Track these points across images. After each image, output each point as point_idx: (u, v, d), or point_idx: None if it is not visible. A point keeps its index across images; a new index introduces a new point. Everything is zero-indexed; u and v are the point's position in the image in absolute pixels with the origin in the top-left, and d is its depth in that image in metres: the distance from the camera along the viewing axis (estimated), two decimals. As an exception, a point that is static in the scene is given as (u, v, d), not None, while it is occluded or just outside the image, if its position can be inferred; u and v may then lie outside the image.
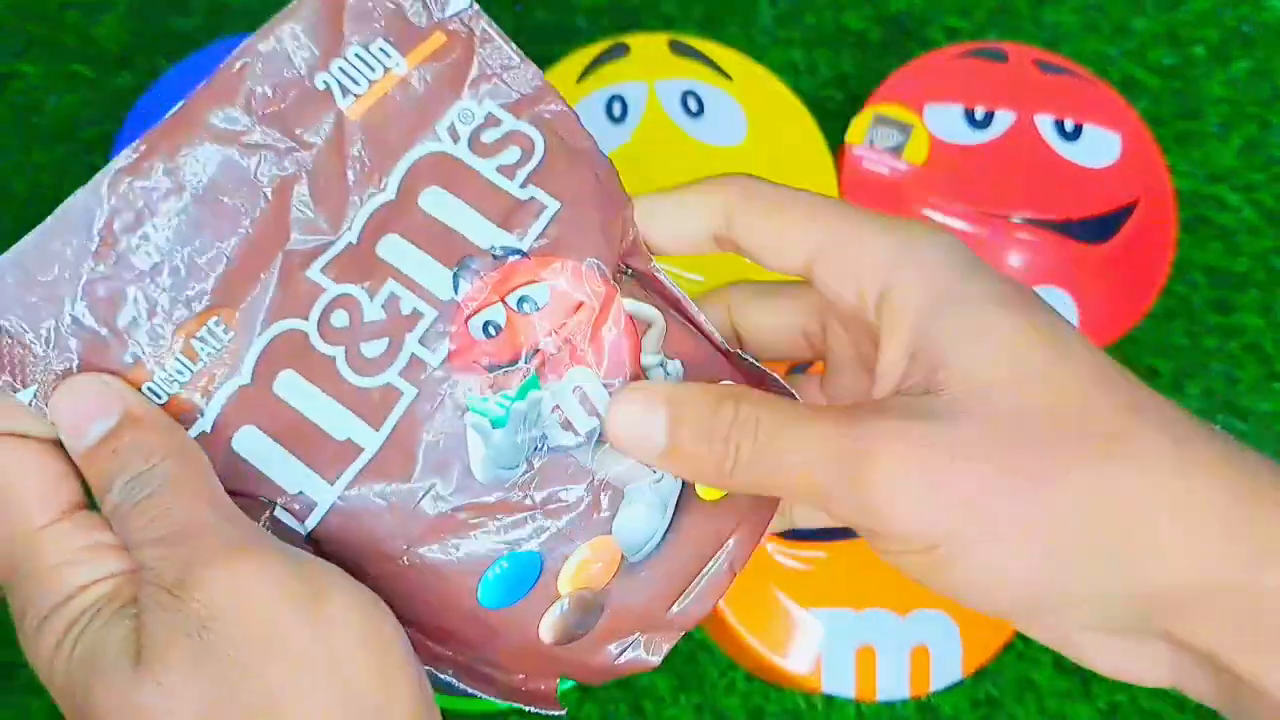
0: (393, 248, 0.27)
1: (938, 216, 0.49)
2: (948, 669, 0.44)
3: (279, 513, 0.26)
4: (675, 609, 0.28)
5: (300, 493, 0.26)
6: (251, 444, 0.26)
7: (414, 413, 0.26)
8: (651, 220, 0.28)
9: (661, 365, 0.28)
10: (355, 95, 0.27)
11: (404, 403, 0.26)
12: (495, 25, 0.28)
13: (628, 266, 0.29)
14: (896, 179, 0.49)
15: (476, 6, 0.28)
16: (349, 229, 0.27)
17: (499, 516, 0.27)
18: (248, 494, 0.26)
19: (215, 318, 0.26)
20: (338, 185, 0.27)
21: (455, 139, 0.28)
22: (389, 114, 0.27)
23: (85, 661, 0.23)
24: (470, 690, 0.27)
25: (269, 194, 0.26)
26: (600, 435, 0.27)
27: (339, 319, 0.27)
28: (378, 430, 0.26)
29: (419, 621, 0.27)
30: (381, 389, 0.26)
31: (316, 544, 0.26)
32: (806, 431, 0.24)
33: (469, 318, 0.27)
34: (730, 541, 0.28)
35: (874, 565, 0.44)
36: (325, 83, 0.27)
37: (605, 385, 0.27)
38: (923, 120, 0.50)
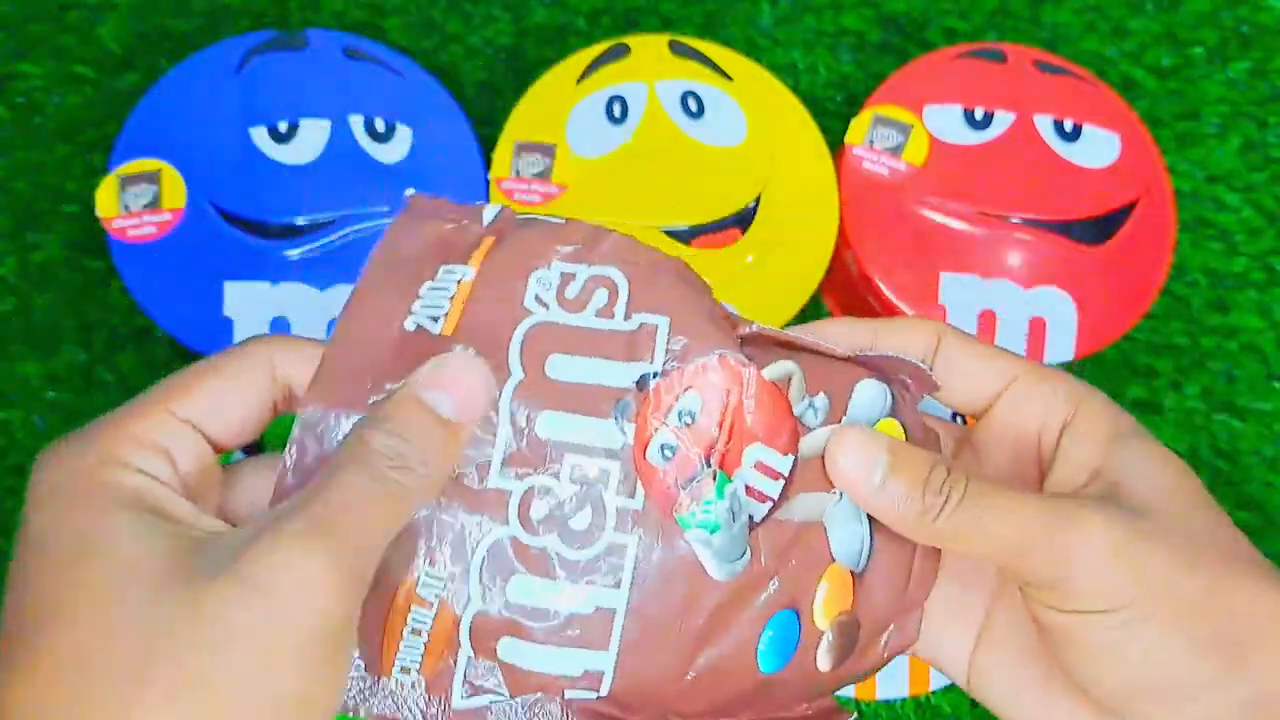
0: (549, 423, 0.28)
1: (937, 217, 0.49)
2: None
3: (569, 694, 0.28)
4: (910, 589, 0.31)
5: (585, 671, 0.28)
6: (514, 651, 0.28)
7: (643, 559, 0.28)
8: (875, 337, 0.32)
9: (809, 404, 0.30)
10: (443, 316, 0.28)
11: (630, 554, 0.28)
12: (528, 213, 0.30)
13: (741, 340, 0.30)
14: (896, 179, 0.49)
15: (509, 209, 0.30)
16: (501, 427, 0.28)
17: (749, 598, 0.29)
18: (531, 690, 0.28)
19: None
20: None
21: (546, 306, 0.29)
22: (479, 314, 0.28)
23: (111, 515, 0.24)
24: None
25: None
26: (784, 493, 0.29)
27: (538, 511, 0.28)
28: (619, 589, 0.28)
29: (711, 711, 0.29)
30: (604, 552, 0.28)
31: (612, 699, 0.28)
32: (1012, 495, 0.28)
33: (645, 452, 0.28)
34: None
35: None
36: (416, 324, 0.28)
37: (774, 449, 0.29)
38: (922, 121, 0.50)
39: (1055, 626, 0.28)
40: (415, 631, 0.27)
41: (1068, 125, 0.51)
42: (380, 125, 0.48)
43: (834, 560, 0.30)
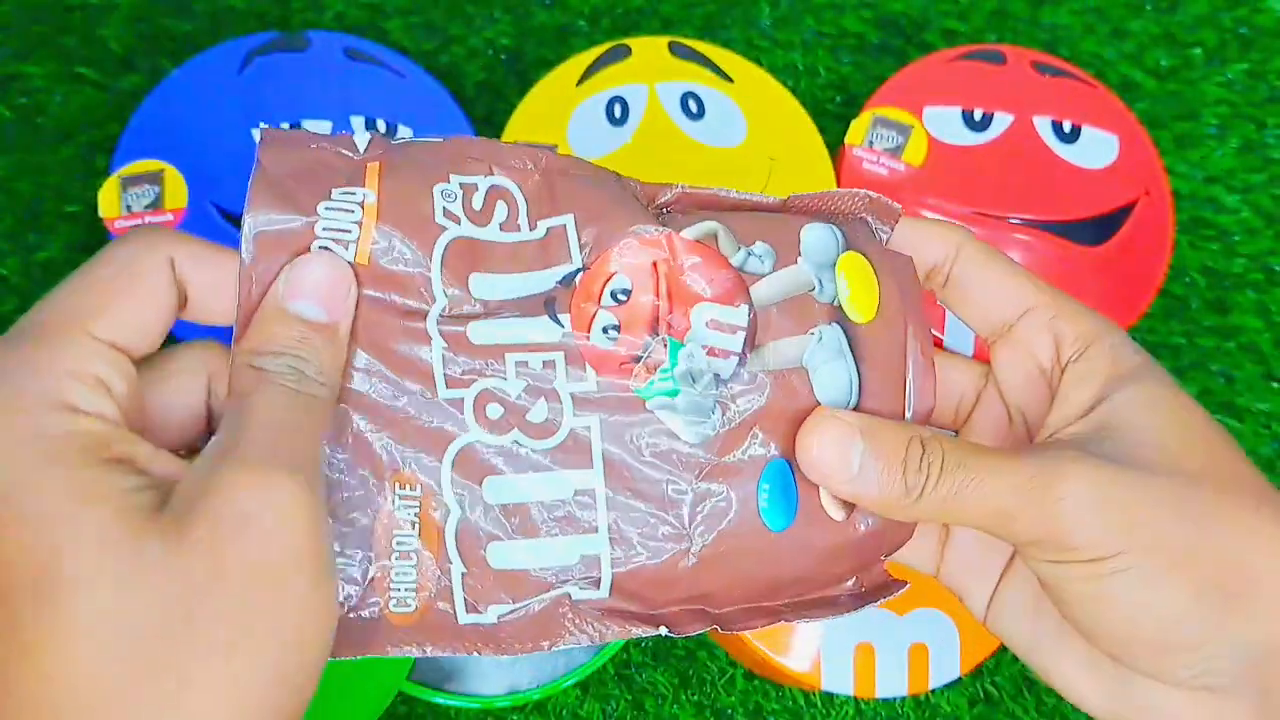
0: (481, 331, 0.28)
1: (936, 218, 0.49)
2: (946, 667, 0.44)
3: (575, 594, 0.28)
4: (908, 408, 0.30)
5: (581, 558, 0.28)
6: (505, 554, 0.28)
7: (610, 436, 0.28)
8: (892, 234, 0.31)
9: (748, 254, 0.29)
10: (353, 242, 0.27)
11: (596, 434, 0.28)
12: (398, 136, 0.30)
13: (662, 208, 0.30)
14: (895, 180, 0.50)
15: (379, 134, 0.29)
16: (434, 344, 0.28)
17: (734, 453, 0.28)
18: (532, 594, 0.28)
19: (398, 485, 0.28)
20: (394, 319, 0.28)
21: (457, 220, 0.28)
22: (393, 240, 0.28)
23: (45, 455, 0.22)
24: (815, 617, 0.29)
25: None
26: (747, 346, 0.29)
27: (494, 411, 0.28)
28: (593, 469, 0.28)
29: (743, 594, 0.29)
30: (570, 439, 0.28)
31: (619, 592, 0.28)
32: (992, 461, 0.27)
33: (589, 336, 0.28)
34: (908, 335, 0.30)
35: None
36: (322, 246, 0.27)
37: (722, 304, 0.29)
38: (921, 122, 0.51)
39: (1049, 579, 0.28)
40: (402, 555, 0.27)
41: (1066, 126, 0.51)
42: (381, 126, 0.48)
43: (819, 404, 0.29)
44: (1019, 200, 0.49)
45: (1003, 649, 0.47)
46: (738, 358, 0.29)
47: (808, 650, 0.44)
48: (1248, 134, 0.57)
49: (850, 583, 0.30)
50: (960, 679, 0.45)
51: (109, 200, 0.46)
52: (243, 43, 0.49)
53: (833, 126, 0.52)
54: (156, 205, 0.46)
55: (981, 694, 0.47)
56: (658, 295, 0.29)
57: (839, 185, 0.50)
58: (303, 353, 0.26)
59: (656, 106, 0.50)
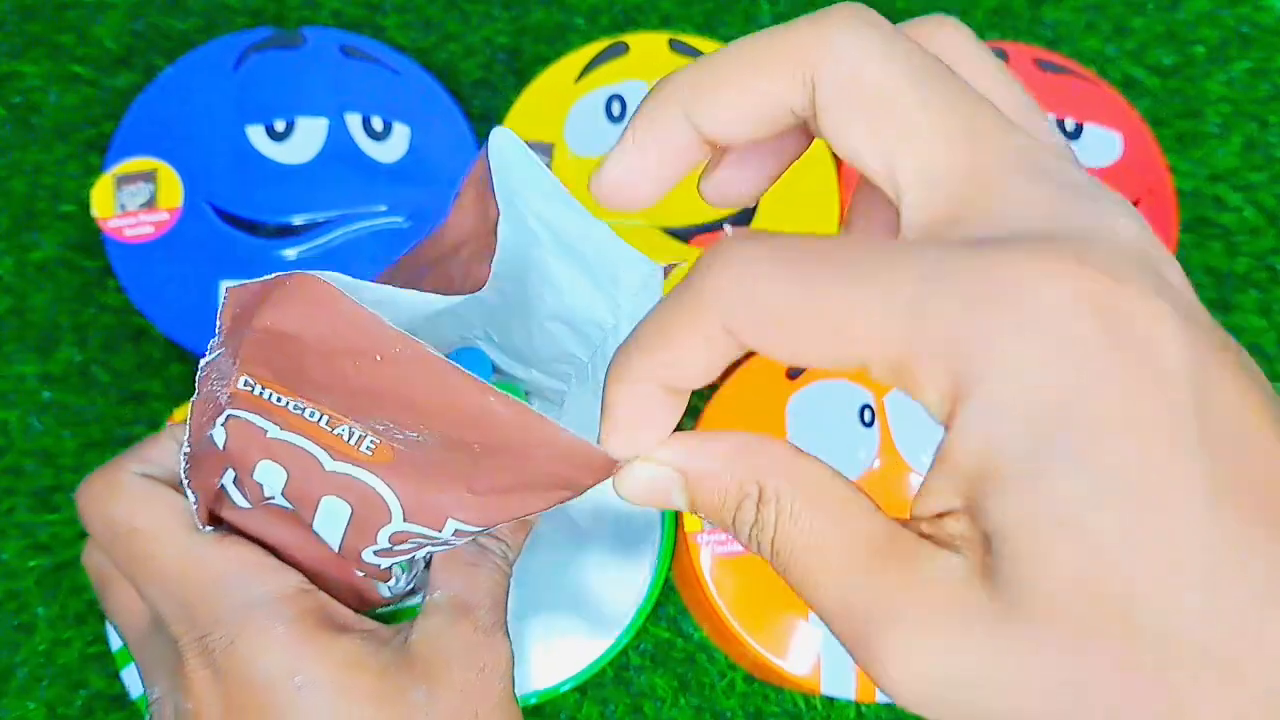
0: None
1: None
2: (948, 670, 0.44)
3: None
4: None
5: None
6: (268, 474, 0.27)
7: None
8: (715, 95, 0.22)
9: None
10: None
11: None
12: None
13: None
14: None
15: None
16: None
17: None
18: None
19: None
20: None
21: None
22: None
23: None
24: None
25: None
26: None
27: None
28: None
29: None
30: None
31: None
32: (826, 572, 0.20)
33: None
34: None
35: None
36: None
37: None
38: (922, 120, 0.50)
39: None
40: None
41: (1069, 124, 0.51)
42: (378, 124, 0.48)
43: None
44: (1021, 199, 0.49)
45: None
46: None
47: (808, 654, 0.44)
48: (1250, 132, 0.56)
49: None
50: (962, 682, 0.45)
51: (103, 199, 0.46)
52: (238, 39, 0.49)
53: (833, 125, 0.52)
54: (151, 204, 0.46)
55: (983, 697, 0.47)
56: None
57: (840, 182, 0.49)
58: (509, 541, 0.32)
59: (655, 104, 0.49)
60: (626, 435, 0.21)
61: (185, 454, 0.29)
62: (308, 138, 0.47)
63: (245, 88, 0.48)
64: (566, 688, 0.43)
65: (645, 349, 0.20)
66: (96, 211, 0.45)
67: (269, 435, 0.26)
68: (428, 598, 0.30)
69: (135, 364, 0.50)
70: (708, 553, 0.43)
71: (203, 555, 0.29)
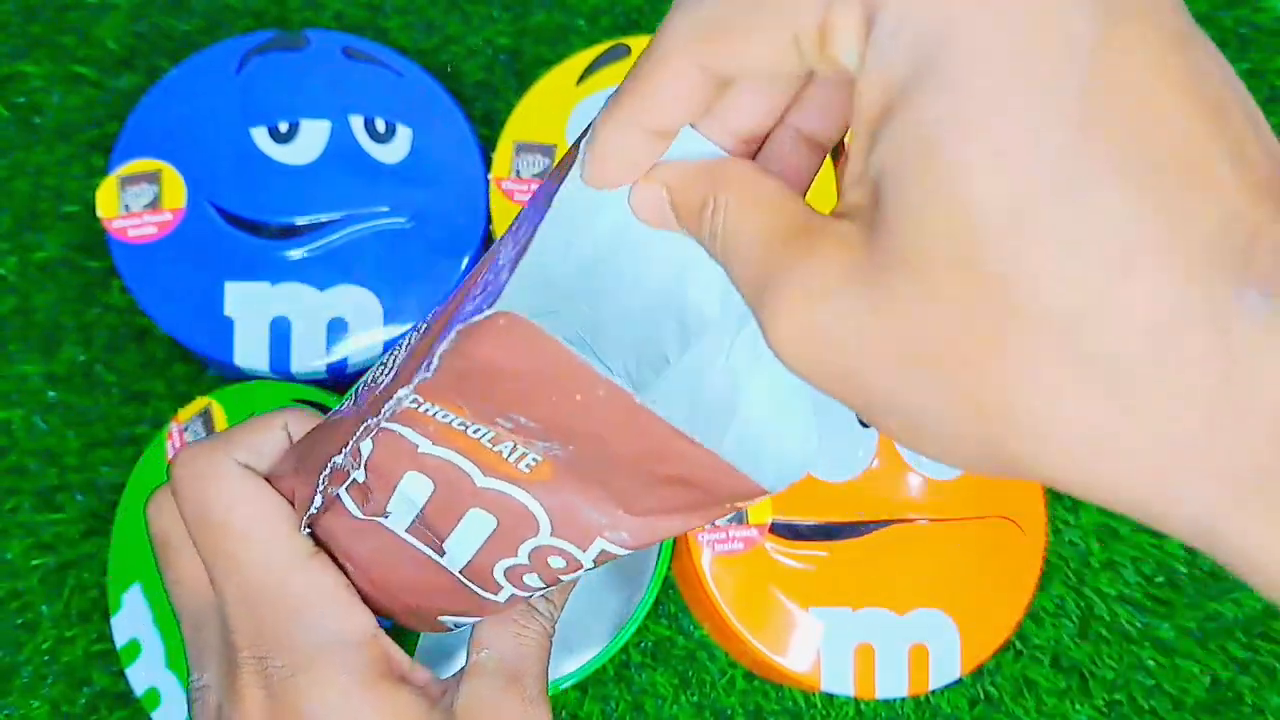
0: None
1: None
2: (946, 667, 0.44)
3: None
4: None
5: None
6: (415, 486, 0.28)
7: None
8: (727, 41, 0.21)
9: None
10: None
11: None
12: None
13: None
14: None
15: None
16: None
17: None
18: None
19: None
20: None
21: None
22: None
23: None
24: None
25: None
26: None
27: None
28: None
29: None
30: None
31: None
32: (754, 234, 0.22)
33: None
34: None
35: (873, 565, 0.44)
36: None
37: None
38: (921, 121, 0.50)
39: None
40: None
41: (1067, 126, 0.51)
42: (380, 126, 0.48)
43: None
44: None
45: (1003, 649, 0.47)
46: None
47: (807, 651, 0.44)
48: (1248, 134, 0.57)
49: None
50: (960, 680, 0.45)
51: (107, 200, 0.46)
52: (241, 41, 0.49)
53: (832, 126, 0.52)
54: (154, 205, 0.46)
55: (982, 695, 0.47)
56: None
57: (839, 184, 0.49)
58: (557, 602, 0.32)
59: (656, 106, 0.50)
60: (602, 166, 0.25)
61: (334, 465, 0.28)
62: (311, 139, 0.48)
63: (248, 90, 0.48)
64: (568, 685, 0.43)
65: (626, 92, 0.24)
66: (101, 212, 0.46)
67: (420, 450, 0.26)
68: (474, 655, 0.30)
69: (139, 364, 0.50)
70: (708, 551, 0.43)
71: (285, 579, 0.28)
